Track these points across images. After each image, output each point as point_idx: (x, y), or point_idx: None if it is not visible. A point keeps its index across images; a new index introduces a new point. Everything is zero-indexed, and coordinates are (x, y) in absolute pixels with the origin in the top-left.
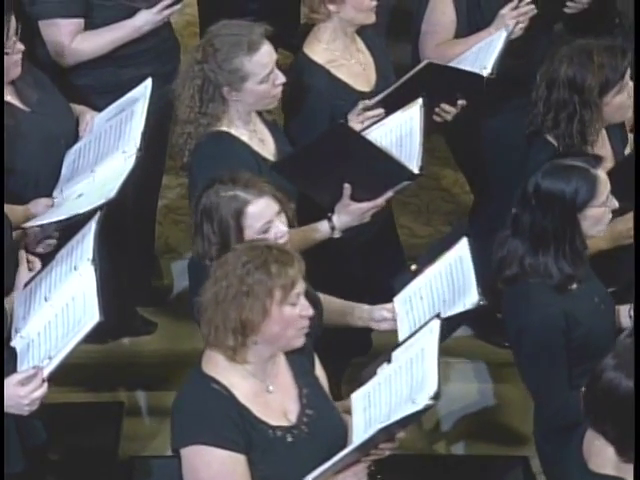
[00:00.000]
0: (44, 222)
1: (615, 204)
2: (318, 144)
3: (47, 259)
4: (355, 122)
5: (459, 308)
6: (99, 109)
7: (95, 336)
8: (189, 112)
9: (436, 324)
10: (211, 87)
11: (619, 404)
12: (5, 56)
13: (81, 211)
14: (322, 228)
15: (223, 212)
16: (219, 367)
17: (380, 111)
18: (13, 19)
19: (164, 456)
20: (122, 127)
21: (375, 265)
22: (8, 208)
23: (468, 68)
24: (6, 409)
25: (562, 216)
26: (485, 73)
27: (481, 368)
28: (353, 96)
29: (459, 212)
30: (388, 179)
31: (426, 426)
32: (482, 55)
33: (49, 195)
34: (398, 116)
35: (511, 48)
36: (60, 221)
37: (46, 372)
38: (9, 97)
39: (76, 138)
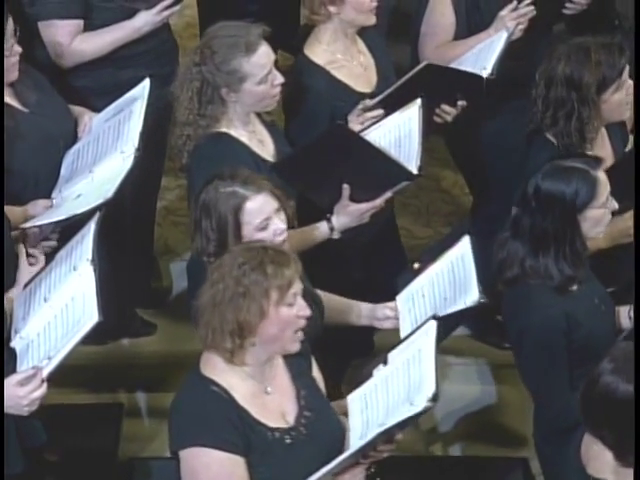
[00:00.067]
0: (42, 222)
1: (615, 205)
2: (317, 145)
3: (47, 259)
4: (355, 123)
5: (460, 306)
6: (98, 110)
7: (95, 337)
8: (188, 114)
9: (432, 325)
10: (209, 89)
11: (616, 408)
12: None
13: (79, 212)
14: (321, 229)
15: (221, 208)
16: (217, 369)
17: (380, 112)
18: (10, 21)
19: (164, 457)
20: (120, 127)
21: (377, 266)
22: (7, 209)
23: (468, 69)
24: (6, 409)
25: (562, 217)
26: (485, 74)
27: (480, 369)
28: (353, 97)
29: (459, 213)
30: (387, 180)
31: (425, 427)
32: (482, 56)
33: (48, 196)
34: (397, 117)
35: (510, 50)
36: (58, 222)
37: (45, 372)
38: (8, 98)
39: (75, 139)
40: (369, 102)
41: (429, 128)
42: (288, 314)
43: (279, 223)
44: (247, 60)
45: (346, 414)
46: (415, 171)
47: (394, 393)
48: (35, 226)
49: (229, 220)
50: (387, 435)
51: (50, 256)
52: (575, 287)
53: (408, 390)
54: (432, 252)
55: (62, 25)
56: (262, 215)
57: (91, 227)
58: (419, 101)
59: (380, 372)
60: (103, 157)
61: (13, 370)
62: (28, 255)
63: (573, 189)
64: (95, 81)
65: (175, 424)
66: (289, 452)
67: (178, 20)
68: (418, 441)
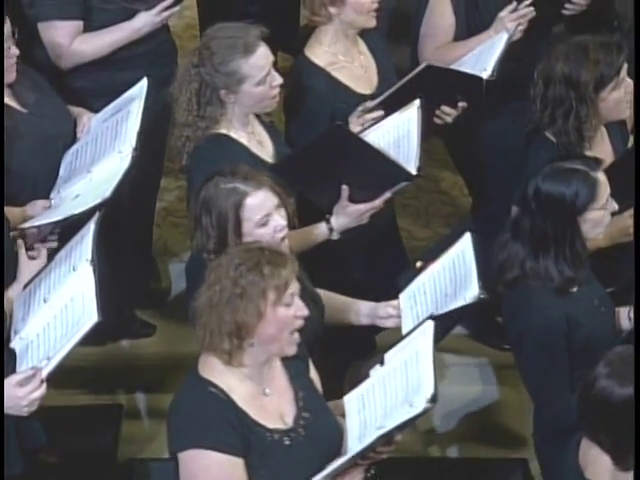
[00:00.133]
0: (41, 223)
1: (615, 206)
2: (316, 145)
3: (47, 259)
4: (356, 125)
5: (460, 302)
6: (96, 111)
7: (94, 338)
8: (187, 115)
9: (430, 325)
10: (208, 90)
11: (613, 413)
12: None
13: (77, 212)
14: (320, 230)
15: (222, 204)
16: (216, 370)
17: (380, 113)
18: (8, 23)
19: (163, 459)
20: (118, 127)
21: (378, 266)
22: (6, 210)
23: (468, 70)
24: (5, 410)
25: (562, 219)
26: (485, 75)
27: (479, 370)
28: (354, 99)
29: (458, 215)
30: (386, 180)
31: (424, 428)
32: (483, 57)
33: (47, 196)
34: (396, 117)
35: (510, 51)
36: (57, 222)
37: (45, 373)
38: (6, 99)
39: (74, 139)
40: (369, 104)
41: (429, 129)
42: (286, 314)
43: (279, 219)
44: (245, 61)
45: (343, 414)
46: (414, 172)
47: (392, 394)
48: (34, 226)
49: (229, 216)
50: (387, 437)
51: (50, 256)
52: (575, 288)
53: (406, 391)
54: (433, 252)
55: (62, 26)
56: (262, 211)
57: (90, 227)
58: (418, 102)
59: (377, 372)
60: (101, 157)
61: (13, 371)
62: (28, 249)
63: (573, 191)
64: (94, 82)
65: (174, 426)
66: (288, 453)
67: (178, 21)
68: (417, 442)
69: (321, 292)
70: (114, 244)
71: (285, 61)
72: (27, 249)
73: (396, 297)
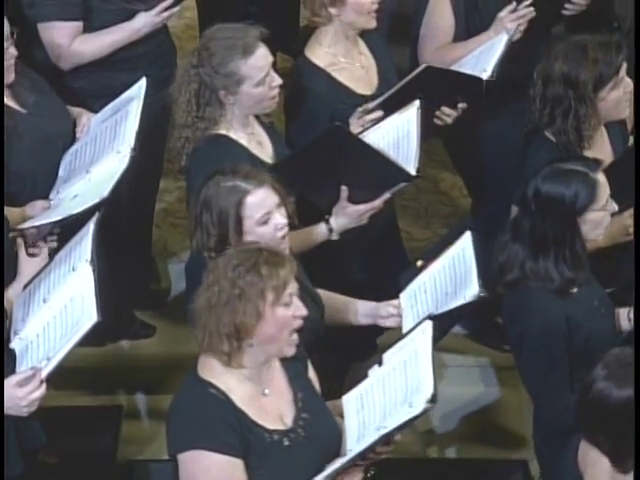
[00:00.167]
0: (40, 223)
1: (615, 207)
2: (315, 146)
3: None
4: (356, 126)
5: (460, 300)
6: (96, 112)
7: (94, 339)
8: (186, 116)
9: (428, 325)
10: (207, 91)
11: (611, 415)
12: None
13: (75, 212)
14: (320, 230)
15: (223, 202)
16: (215, 372)
17: (380, 114)
18: (7, 23)
19: (163, 459)
20: (117, 128)
21: (378, 267)
22: (5, 210)
23: (469, 71)
24: (5, 411)
25: (562, 220)
26: (485, 76)
27: (479, 370)
28: (354, 99)
29: (457, 215)
30: (385, 181)
31: (423, 428)
32: (483, 58)
33: (46, 197)
34: (395, 118)
35: (510, 52)
36: (55, 222)
37: (44, 373)
38: (5, 99)
39: (73, 140)
40: (370, 105)
41: (429, 130)
42: (284, 314)
43: (280, 218)
44: (244, 62)
45: (342, 415)
46: (413, 172)
47: (391, 394)
48: (33, 226)
49: (230, 214)
50: (387, 437)
51: (49, 257)
52: (575, 290)
53: (406, 391)
54: (433, 252)
55: (61, 27)
56: (263, 209)
57: (90, 228)
58: (417, 102)
59: (376, 372)
60: (100, 157)
61: (12, 371)
62: (28, 249)
63: (573, 192)
64: (93, 83)
65: (173, 427)
66: (287, 454)
67: (178, 22)
68: (416, 442)
69: (321, 292)
70: (113, 245)
71: (284, 62)
72: (27, 248)
73: (396, 298)
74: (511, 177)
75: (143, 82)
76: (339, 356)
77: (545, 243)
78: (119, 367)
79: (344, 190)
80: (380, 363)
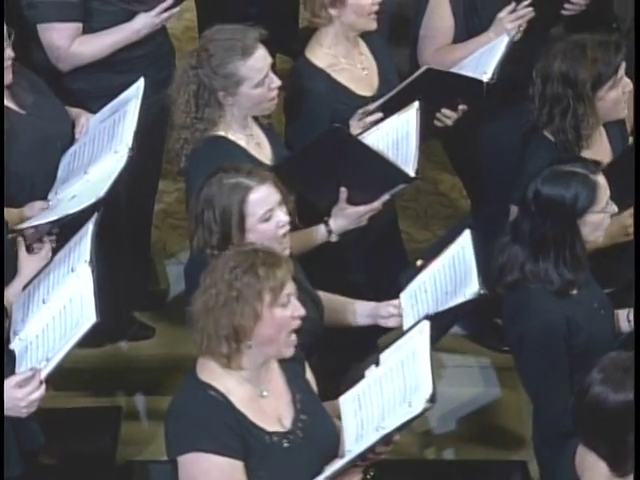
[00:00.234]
0: (38, 223)
1: (614, 209)
2: (314, 147)
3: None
4: (356, 128)
5: (460, 299)
6: (94, 113)
7: (93, 340)
8: (185, 117)
9: (426, 325)
10: (206, 92)
11: (608, 419)
12: None
13: (71, 211)
14: (319, 232)
15: (226, 199)
16: (214, 374)
17: (380, 116)
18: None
19: (162, 460)
20: (115, 128)
21: (379, 268)
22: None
23: (469, 73)
24: (4, 411)
25: (562, 222)
26: (485, 78)
27: (478, 371)
28: (354, 100)
29: (457, 216)
30: (384, 182)
31: (421, 429)
32: (483, 60)
33: (45, 197)
34: (394, 119)
35: (509, 53)
36: (52, 222)
37: (44, 374)
38: (4, 100)
39: (72, 140)
40: (370, 107)
41: (429, 132)
42: (282, 315)
43: (282, 215)
44: (244, 63)
45: (338, 416)
46: (412, 174)
47: (389, 394)
48: (31, 227)
49: (233, 211)
50: (386, 438)
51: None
52: (575, 291)
53: (404, 391)
54: (432, 252)
55: (61, 28)
56: (266, 206)
57: (89, 228)
58: (417, 104)
59: (373, 373)
60: (98, 158)
61: (12, 372)
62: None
63: (573, 194)
64: (92, 84)
65: (173, 430)
66: (287, 456)
67: (177, 23)
68: (414, 444)
69: (320, 294)
70: (112, 246)
71: (284, 63)
72: (27, 248)
73: (397, 298)
74: (510, 178)
75: (141, 82)
76: (340, 357)
77: (545, 245)
78: (118, 368)
79: (343, 191)
80: (377, 363)
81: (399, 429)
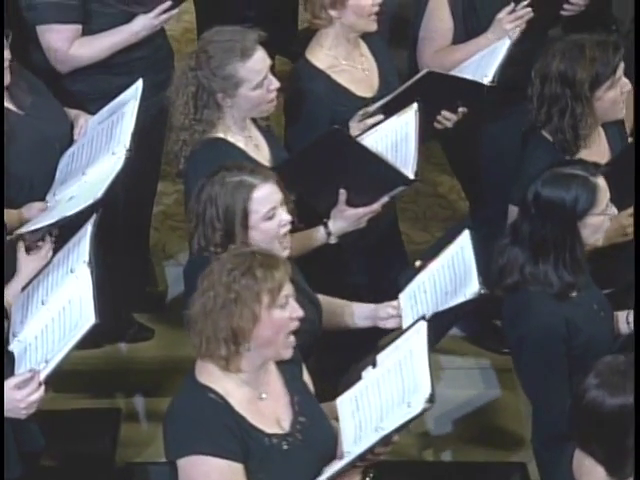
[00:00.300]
0: (34, 228)
1: (614, 211)
2: (313, 149)
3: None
4: (356, 129)
5: (460, 298)
6: (92, 115)
7: (92, 341)
8: (184, 119)
9: (423, 325)
10: (205, 94)
11: (605, 423)
12: None
13: (69, 214)
14: (318, 234)
15: (229, 197)
16: (213, 376)
17: (380, 118)
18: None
19: (161, 462)
20: (113, 129)
21: (379, 270)
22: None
23: (470, 76)
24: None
25: (562, 224)
26: (486, 81)
27: (478, 373)
28: (354, 102)
29: (456, 218)
30: (383, 184)
31: (420, 431)
32: (484, 63)
33: (44, 199)
34: (393, 121)
35: (508, 55)
36: (50, 225)
37: (43, 375)
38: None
39: (71, 142)
40: (370, 109)
41: (428, 134)
42: (281, 316)
43: (284, 214)
44: (242, 65)
45: (336, 417)
46: (411, 176)
47: (387, 395)
48: (29, 231)
49: (237, 208)
50: (386, 439)
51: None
52: (575, 293)
53: (402, 392)
54: (431, 253)
55: (60, 30)
56: (270, 204)
57: (88, 230)
58: (415, 106)
59: (370, 374)
60: (96, 159)
61: (11, 373)
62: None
63: (573, 196)
64: (91, 86)
65: (172, 432)
66: (286, 458)
67: (176, 25)
68: (413, 445)
69: (319, 297)
70: (111, 247)
71: (283, 65)
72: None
73: (397, 299)
74: (508, 180)
75: (140, 84)
76: (339, 358)
77: (545, 247)
78: (117, 370)
79: (342, 193)
80: (374, 364)
81: (398, 430)
